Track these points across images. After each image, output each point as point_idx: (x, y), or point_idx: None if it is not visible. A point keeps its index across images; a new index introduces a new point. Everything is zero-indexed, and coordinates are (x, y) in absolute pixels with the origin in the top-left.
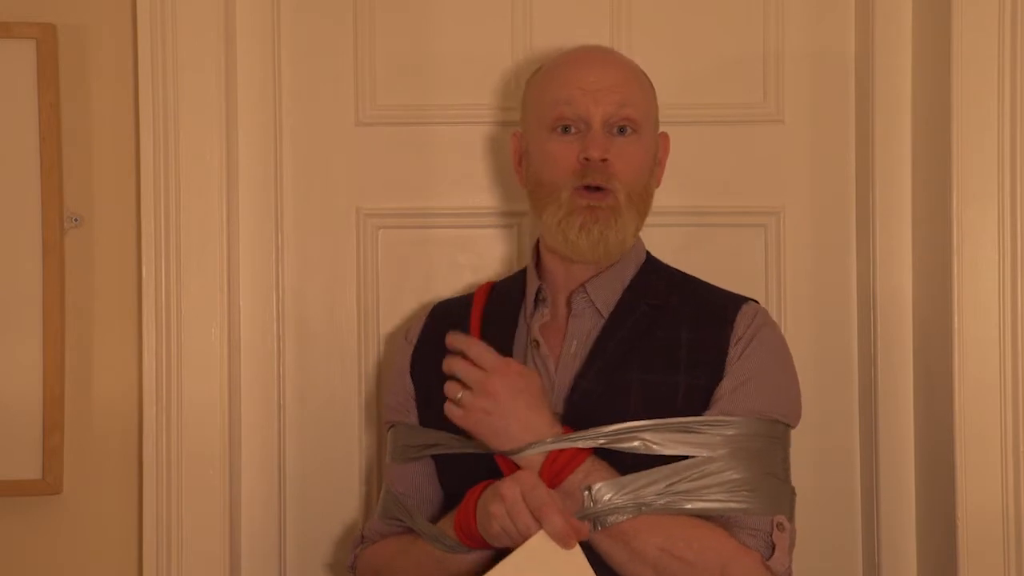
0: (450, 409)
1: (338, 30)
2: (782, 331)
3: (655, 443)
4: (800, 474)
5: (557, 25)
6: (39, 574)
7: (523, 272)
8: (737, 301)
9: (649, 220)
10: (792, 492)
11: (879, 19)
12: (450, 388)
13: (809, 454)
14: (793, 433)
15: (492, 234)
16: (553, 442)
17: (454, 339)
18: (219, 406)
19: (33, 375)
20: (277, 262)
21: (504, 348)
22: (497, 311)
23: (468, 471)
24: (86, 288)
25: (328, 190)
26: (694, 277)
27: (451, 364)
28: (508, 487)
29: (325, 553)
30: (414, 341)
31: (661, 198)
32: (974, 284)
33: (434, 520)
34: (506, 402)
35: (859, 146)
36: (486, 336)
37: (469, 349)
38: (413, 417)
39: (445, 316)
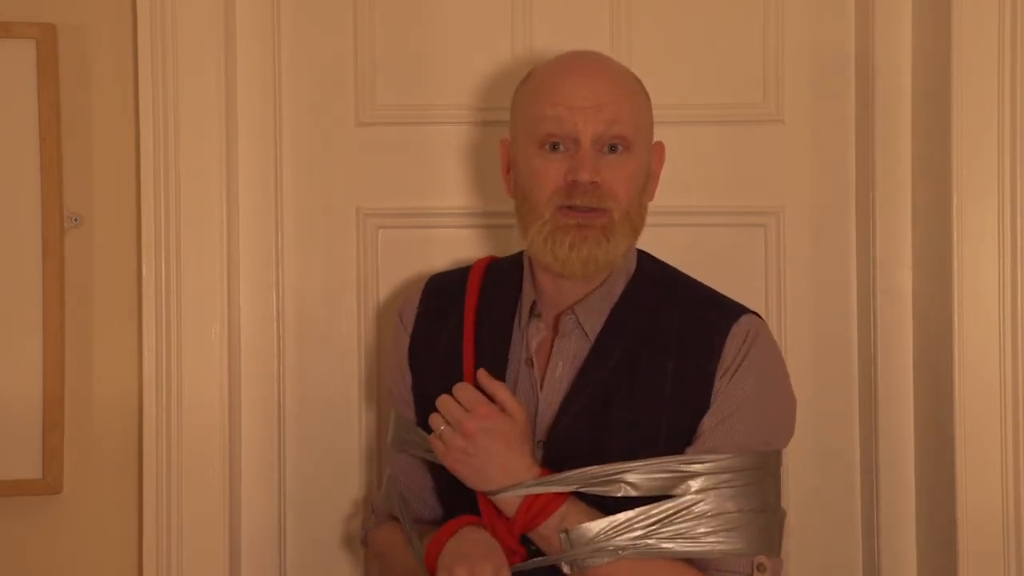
0: (433, 442)
1: (338, 30)
2: (779, 336)
3: (635, 485)
4: (800, 474)
5: (557, 25)
6: (39, 574)
7: (519, 261)
8: (729, 318)
9: (649, 220)
10: (782, 517)
11: (879, 19)
12: (434, 420)
13: (809, 454)
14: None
15: (492, 234)
16: (531, 485)
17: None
18: (219, 406)
19: (33, 375)
20: (277, 262)
21: (499, 355)
22: (491, 305)
23: (455, 482)
24: (86, 288)
25: (328, 190)
26: (689, 280)
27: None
28: (462, 571)
29: (325, 553)
30: (410, 328)
31: (661, 198)
32: (974, 283)
33: (427, 510)
34: (483, 444)
35: (859, 146)
36: (478, 328)
37: (456, 392)
38: (411, 408)
39: (439, 296)
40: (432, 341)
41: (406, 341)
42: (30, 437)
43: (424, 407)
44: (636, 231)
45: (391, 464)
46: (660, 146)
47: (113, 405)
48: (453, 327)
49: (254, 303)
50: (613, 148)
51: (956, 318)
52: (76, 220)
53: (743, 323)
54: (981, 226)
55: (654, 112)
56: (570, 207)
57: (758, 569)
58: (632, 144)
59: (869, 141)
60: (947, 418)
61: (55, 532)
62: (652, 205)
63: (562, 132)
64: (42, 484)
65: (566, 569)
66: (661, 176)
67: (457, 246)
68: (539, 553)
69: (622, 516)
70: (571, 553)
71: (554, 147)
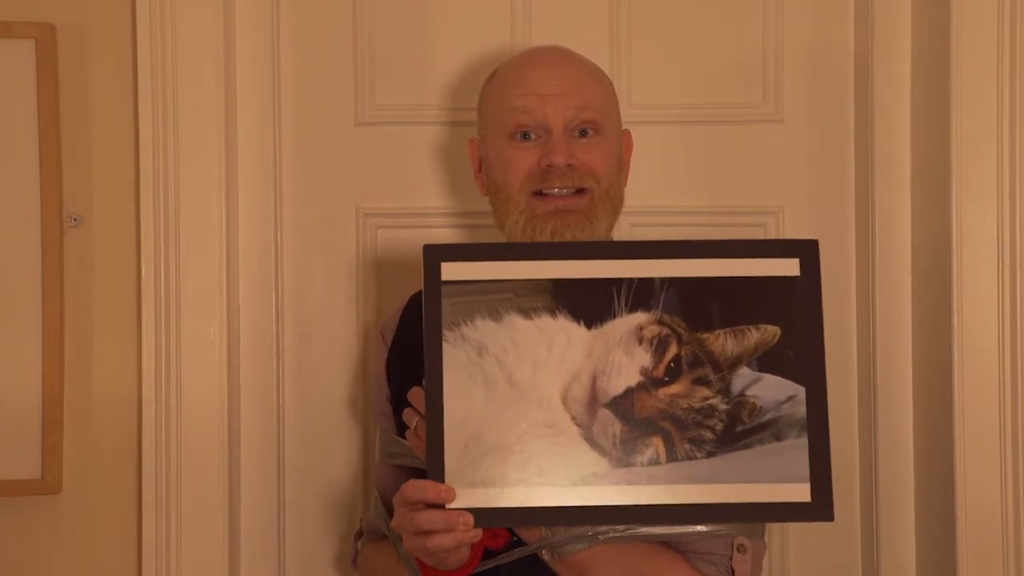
0: (409, 437)
1: (338, 30)
2: None
3: None
4: None
5: (556, 25)
6: (39, 574)
7: None
8: None
9: (649, 220)
10: None
11: (878, 18)
12: (407, 415)
13: None
14: None
15: (492, 234)
16: None
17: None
18: (219, 405)
19: (32, 374)
20: (277, 261)
21: None
22: None
23: None
24: (86, 287)
25: (328, 190)
26: None
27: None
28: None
29: (325, 553)
30: (389, 341)
31: (661, 198)
32: (974, 284)
33: None
34: None
35: (859, 146)
36: None
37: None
38: (391, 420)
39: (420, 307)
40: (413, 349)
41: (385, 354)
42: (29, 437)
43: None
44: (616, 211)
45: (378, 482)
46: (628, 134)
47: (112, 405)
48: None
49: (254, 303)
50: (584, 133)
51: (956, 318)
52: (76, 220)
53: None
54: (981, 226)
55: (653, 112)
56: (543, 193)
57: (738, 550)
58: (602, 128)
59: (869, 141)
60: (947, 418)
61: (54, 532)
62: (652, 205)
63: (532, 121)
64: (41, 484)
65: (545, 555)
66: (660, 175)
67: None
68: (520, 540)
69: None
70: (551, 540)
71: (525, 136)
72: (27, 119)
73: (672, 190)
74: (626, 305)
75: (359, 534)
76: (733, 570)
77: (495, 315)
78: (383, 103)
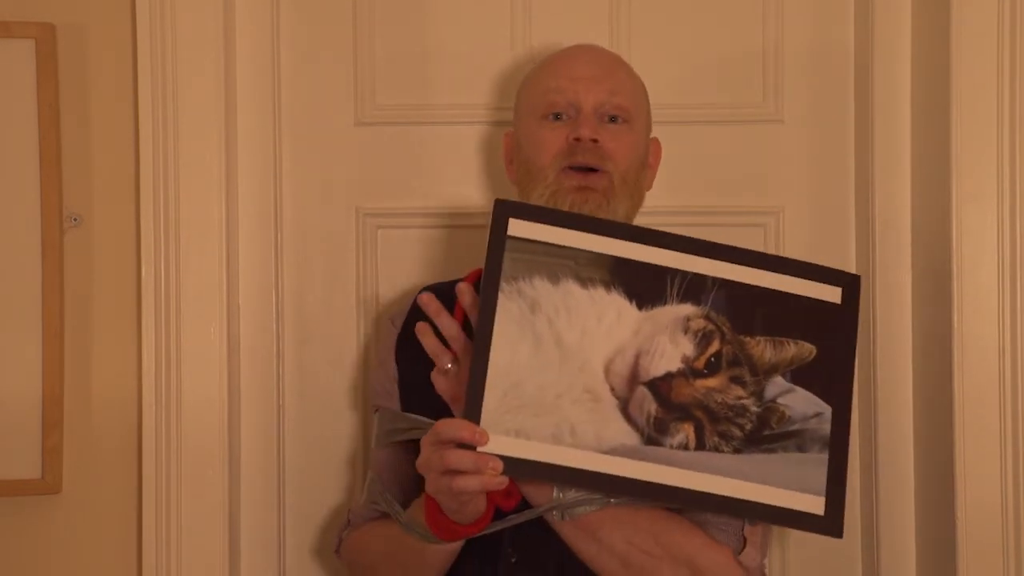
0: (436, 378)
1: (338, 30)
2: None
3: None
4: None
5: (556, 24)
6: (38, 574)
7: None
8: None
9: (648, 220)
10: None
11: (879, 18)
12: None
13: None
14: None
15: None
16: None
17: (427, 302)
18: (219, 405)
19: (32, 374)
20: (276, 261)
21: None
22: None
23: None
24: (85, 288)
25: (327, 190)
26: None
27: (425, 337)
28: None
29: (324, 553)
30: (400, 325)
31: (661, 198)
32: (974, 284)
33: (412, 499)
34: None
35: (859, 146)
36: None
37: (437, 318)
38: (396, 401)
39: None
40: None
41: (394, 336)
42: (29, 437)
43: (410, 395)
44: (635, 202)
45: (374, 464)
46: (657, 142)
47: (112, 405)
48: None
49: (254, 303)
50: (613, 119)
51: (956, 318)
52: (76, 220)
53: None
54: (981, 226)
55: (653, 112)
56: (572, 168)
57: (749, 521)
58: (632, 118)
59: (869, 141)
60: (947, 418)
61: (54, 532)
62: (654, 205)
63: (564, 101)
64: (41, 484)
65: (555, 516)
66: (661, 175)
67: (457, 246)
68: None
69: None
70: (561, 501)
71: (557, 116)
72: (27, 119)
73: (672, 190)
74: (678, 295)
75: (346, 524)
76: (744, 539)
77: (553, 278)
78: (383, 103)
